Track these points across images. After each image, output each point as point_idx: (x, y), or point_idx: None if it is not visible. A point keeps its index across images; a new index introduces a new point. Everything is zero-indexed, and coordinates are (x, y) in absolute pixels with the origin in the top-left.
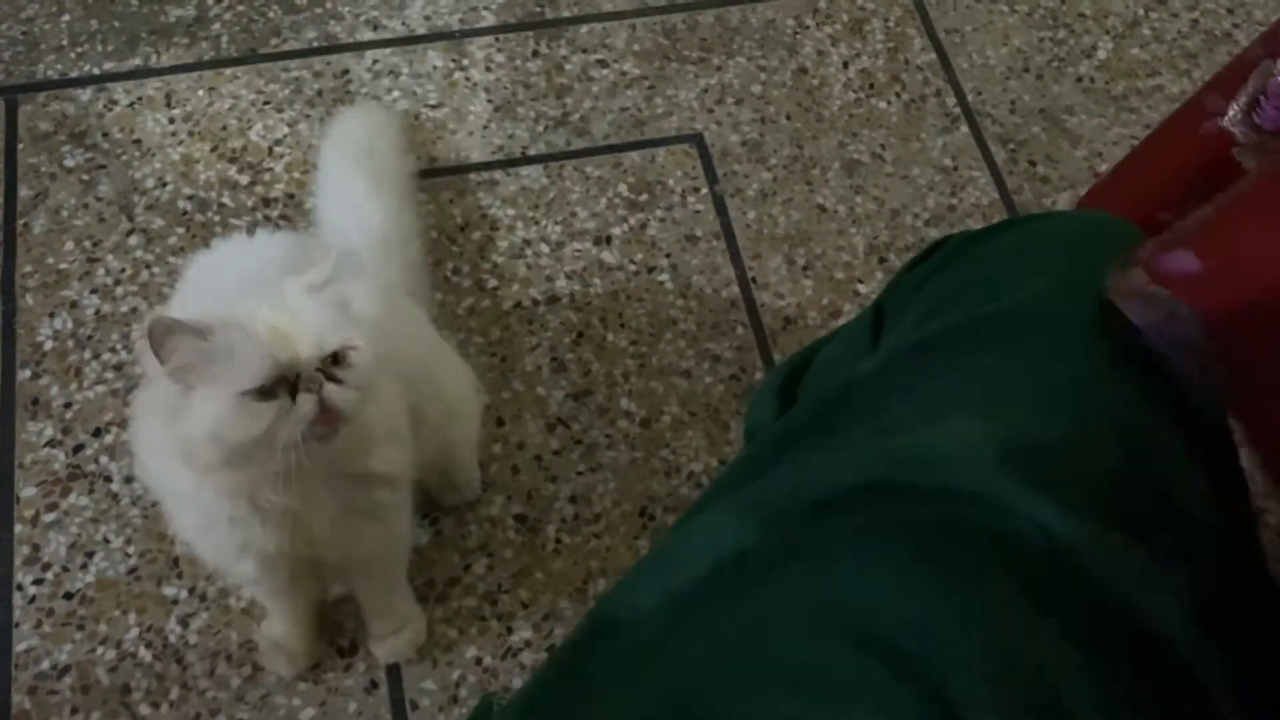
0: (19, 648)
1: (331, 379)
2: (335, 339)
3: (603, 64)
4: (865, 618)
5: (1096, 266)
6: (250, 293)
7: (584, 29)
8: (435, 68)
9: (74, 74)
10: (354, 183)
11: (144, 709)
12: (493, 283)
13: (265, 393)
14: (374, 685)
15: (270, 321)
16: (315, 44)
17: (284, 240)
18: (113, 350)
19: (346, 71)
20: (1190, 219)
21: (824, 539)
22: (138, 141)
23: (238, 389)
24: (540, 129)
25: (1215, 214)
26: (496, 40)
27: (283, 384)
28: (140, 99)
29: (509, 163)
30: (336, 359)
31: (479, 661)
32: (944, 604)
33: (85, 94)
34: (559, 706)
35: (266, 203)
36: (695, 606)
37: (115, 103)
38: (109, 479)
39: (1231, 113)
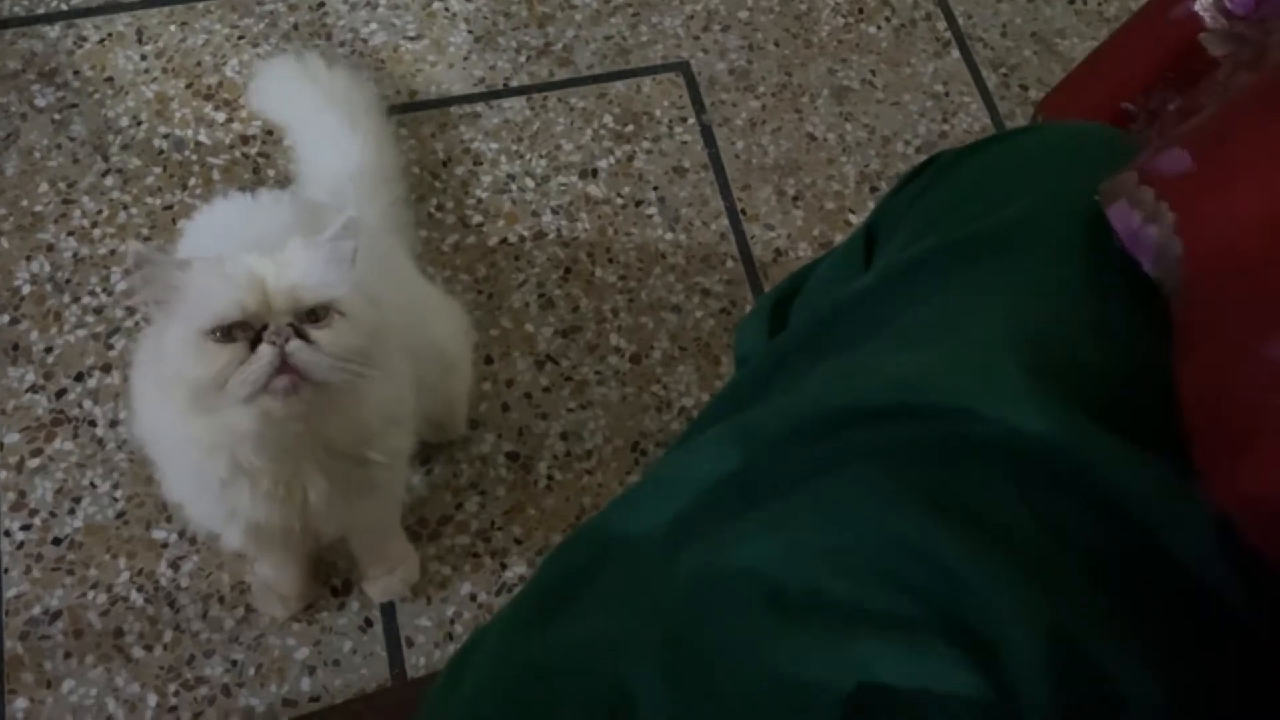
0: (9, 594)
1: (302, 336)
2: (315, 294)
3: None
4: (866, 542)
5: (1087, 177)
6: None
7: None
8: None
9: (41, 10)
10: (328, 120)
11: (137, 651)
12: (477, 219)
13: (227, 336)
14: (368, 624)
15: (251, 266)
16: None
17: (293, 202)
18: (92, 293)
19: (322, 4)
20: (1190, 123)
21: (819, 464)
22: (110, 79)
23: (199, 327)
24: (522, 59)
25: (1214, 113)
26: None
27: (246, 330)
28: (110, 35)
29: (491, 95)
30: (316, 317)
31: (474, 598)
32: (946, 523)
33: (53, 30)
34: (555, 623)
35: (244, 140)
36: (695, 527)
37: (85, 39)
38: (93, 423)
39: None
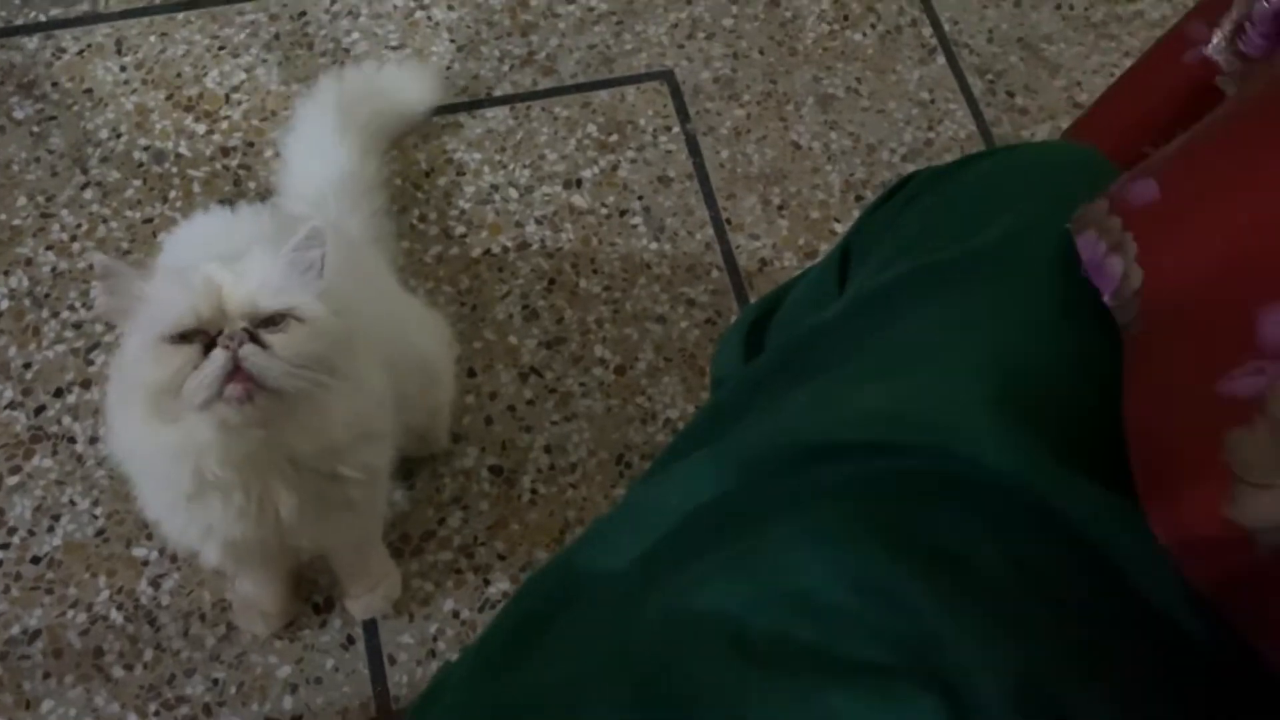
0: None
1: (257, 341)
2: (272, 301)
3: None
4: (835, 584)
5: (1065, 201)
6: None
7: None
8: (395, 7)
9: (19, 21)
10: (323, 129)
11: (118, 671)
12: (460, 230)
13: (184, 341)
14: (351, 641)
15: (209, 273)
16: None
17: (273, 215)
18: (71, 308)
19: (304, 13)
20: (1164, 150)
21: (791, 499)
22: (89, 91)
23: (156, 333)
24: (505, 69)
25: (1184, 142)
26: None
27: (201, 336)
28: (89, 46)
29: (474, 104)
30: (273, 324)
31: (456, 614)
32: (914, 565)
33: (32, 42)
34: (520, 666)
35: (225, 152)
36: (665, 565)
37: (63, 51)
38: (73, 440)
39: (1215, 40)
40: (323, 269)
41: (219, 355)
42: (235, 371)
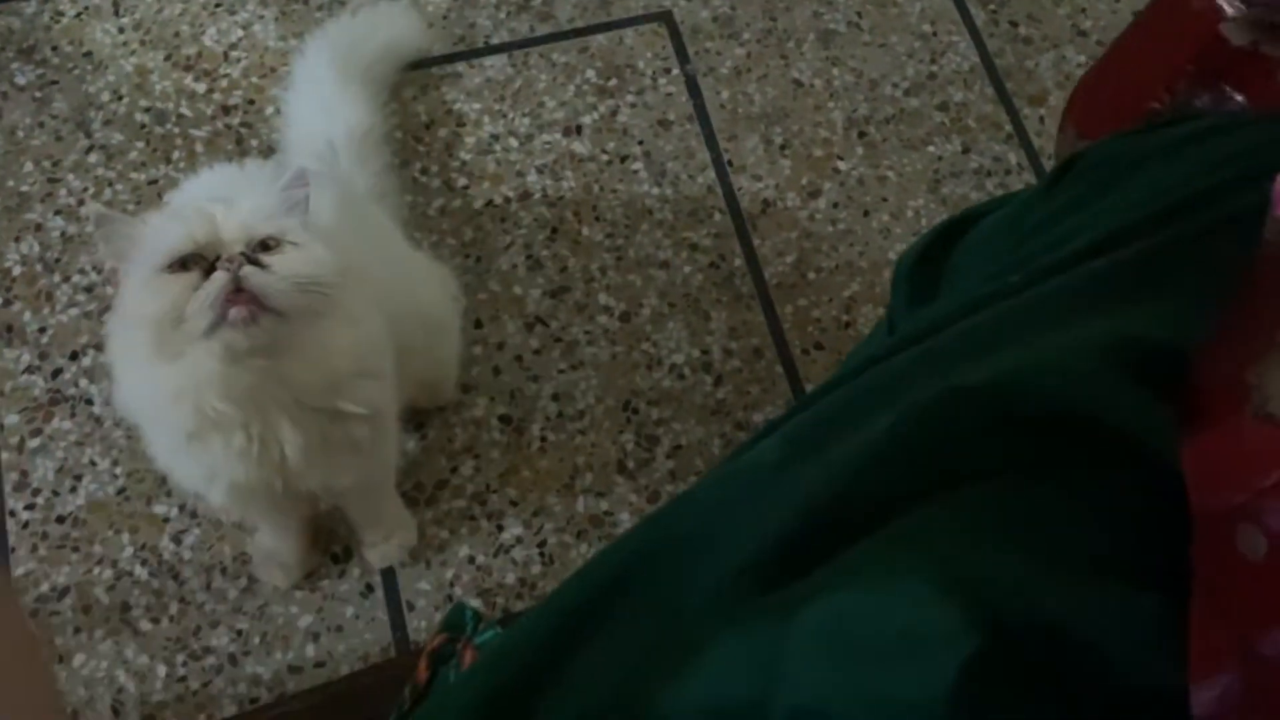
0: (17, 572)
1: (255, 264)
2: (267, 226)
3: None
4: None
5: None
6: None
7: None
8: None
9: None
10: (320, 84)
11: (145, 624)
12: (462, 181)
13: (182, 269)
14: (370, 589)
15: (199, 205)
16: None
17: (278, 171)
18: (82, 272)
19: None
20: None
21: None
22: (89, 54)
23: (154, 265)
24: (502, 16)
25: None
26: None
27: (199, 261)
28: (87, 9)
29: (472, 53)
30: (268, 248)
31: (472, 560)
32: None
33: (30, 6)
34: (567, 650)
35: (226, 110)
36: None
37: (61, 14)
38: (90, 402)
39: None
40: (307, 207)
41: (219, 276)
42: (237, 293)
